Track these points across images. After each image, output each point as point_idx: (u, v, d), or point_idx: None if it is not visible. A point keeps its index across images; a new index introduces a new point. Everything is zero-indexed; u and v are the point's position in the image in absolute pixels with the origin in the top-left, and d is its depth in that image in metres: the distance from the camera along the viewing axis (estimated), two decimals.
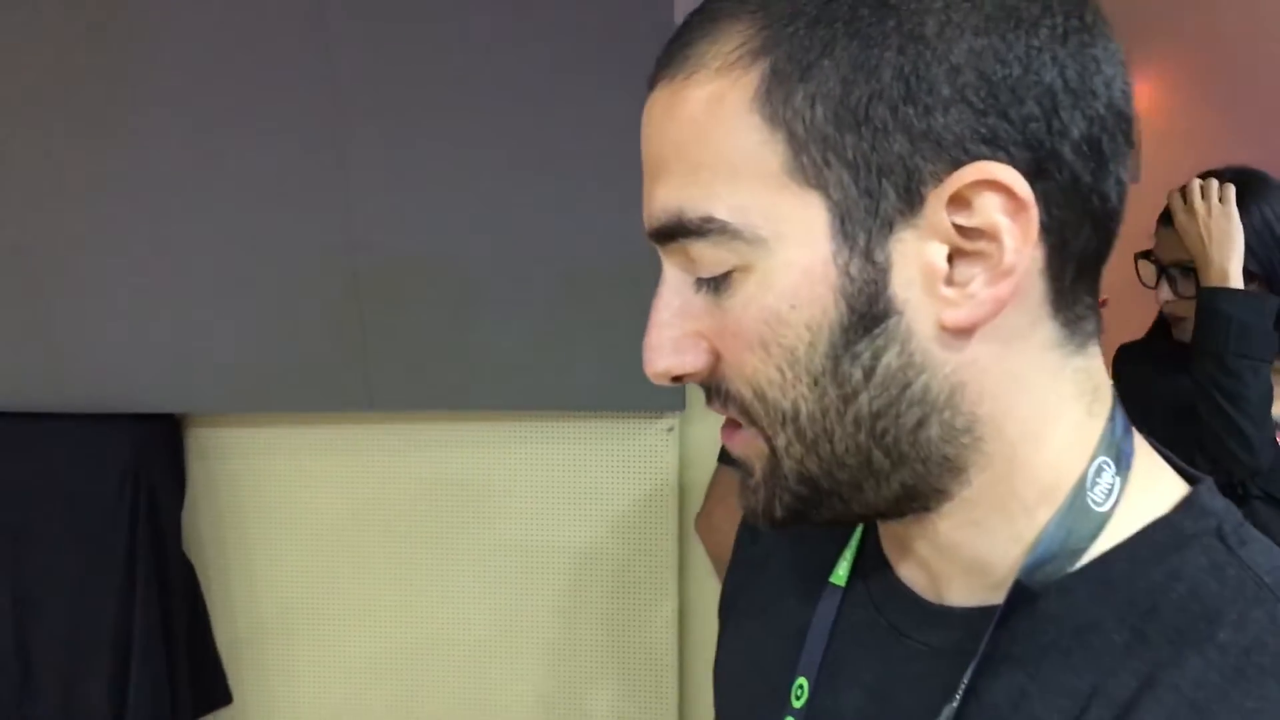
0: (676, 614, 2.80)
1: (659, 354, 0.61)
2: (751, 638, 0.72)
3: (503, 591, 2.84)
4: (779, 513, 0.60)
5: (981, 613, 0.58)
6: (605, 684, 2.83)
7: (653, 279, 0.61)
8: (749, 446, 0.60)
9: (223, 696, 2.90)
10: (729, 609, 0.78)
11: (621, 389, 2.68)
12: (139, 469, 2.71)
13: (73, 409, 2.72)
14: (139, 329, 2.63)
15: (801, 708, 0.64)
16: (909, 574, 0.63)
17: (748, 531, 0.77)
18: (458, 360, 2.64)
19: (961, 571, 0.59)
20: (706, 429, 1.96)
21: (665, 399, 2.69)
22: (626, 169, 0.73)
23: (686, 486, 2.77)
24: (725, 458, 1.92)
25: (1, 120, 2.59)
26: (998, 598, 0.57)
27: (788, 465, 0.59)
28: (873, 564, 0.66)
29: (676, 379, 0.61)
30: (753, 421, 0.59)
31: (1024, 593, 0.55)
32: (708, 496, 1.94)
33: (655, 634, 2.80)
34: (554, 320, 2.58)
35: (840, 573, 0.67)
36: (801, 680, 0.64)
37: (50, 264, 2.62)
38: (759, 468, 0.60)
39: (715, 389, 0.60)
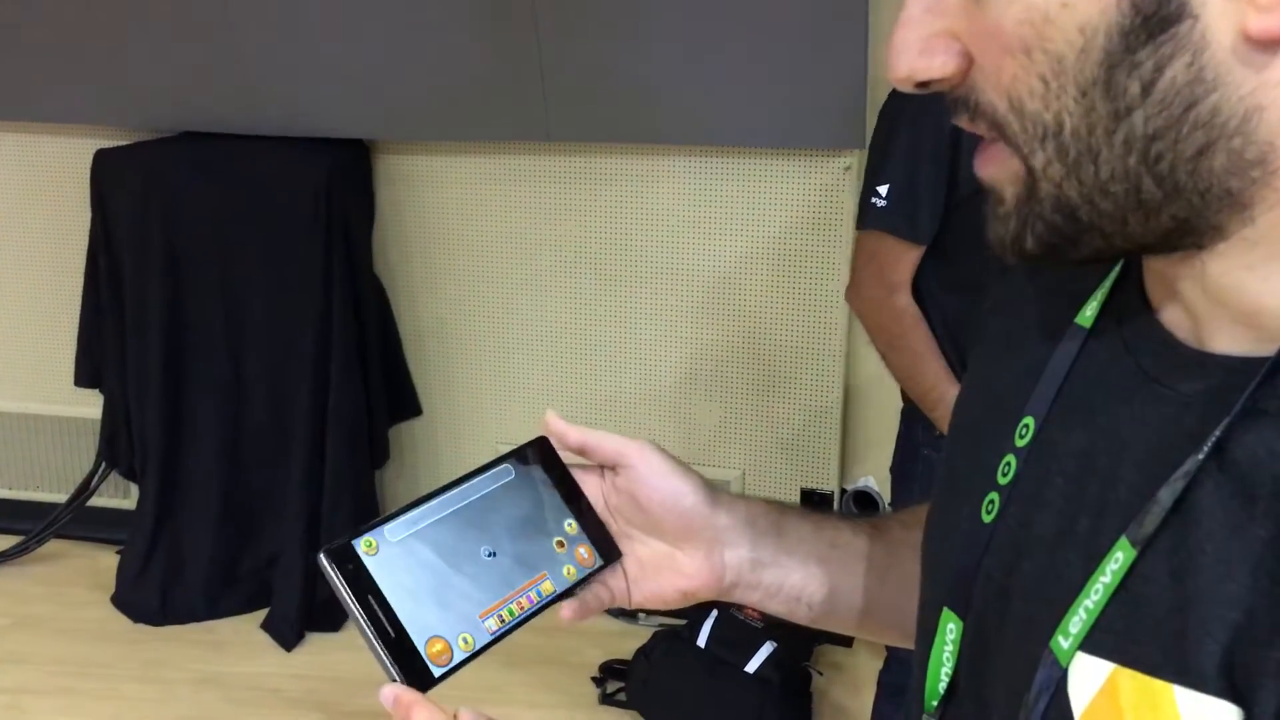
0: (843, 358, 2.83)
1: (905, 55, 0.54)
2: (987, 379, 0.68)
3: (670, 324, 2.91)
4: (1029, 244, 0.54)
5: (1245, 363, 0.52)
6: (766, 421, 2.91)
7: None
8: (1002, 167, 0.53)
9: (414, 408, 3.11)
10: (970, 356, 0.73)
11: (800, 125, 2.62)
12: (331, 191, 2.82)
13: (267, 132, 2.83)
14: (329, 58, 2.68)
15: (1024, 446, 0.60)
16: (1170, 317, 0.57)
17: (992, 274, 0.70)
18: (635, 92, 2.61)
19: (1229, 318, 0.53)
20: None
21: (844, 136, 2.61)
22: None
23: None
24: (865, 223, 1.84)
25: None
26: (1267, 350, 0.51)
27: (1045, 189, 0.52)
28: (1130, 304, 0.60)
29: (922, 85, 0.54)
30: (1005, 138, 0.52)
31: None
32: (854, 267, 1.90)
33: (821, 374, 2.85)
34: (733, 53, 2.51)
35: (1087, 314, 0.61)
36: (1028, 419, 0.61)
37: None
38: (1010, 193, 0.54)
39: (964, 100, 0.53)
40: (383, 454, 3.08)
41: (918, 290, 1.84)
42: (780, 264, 2.80)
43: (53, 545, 3.21)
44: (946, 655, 0.64)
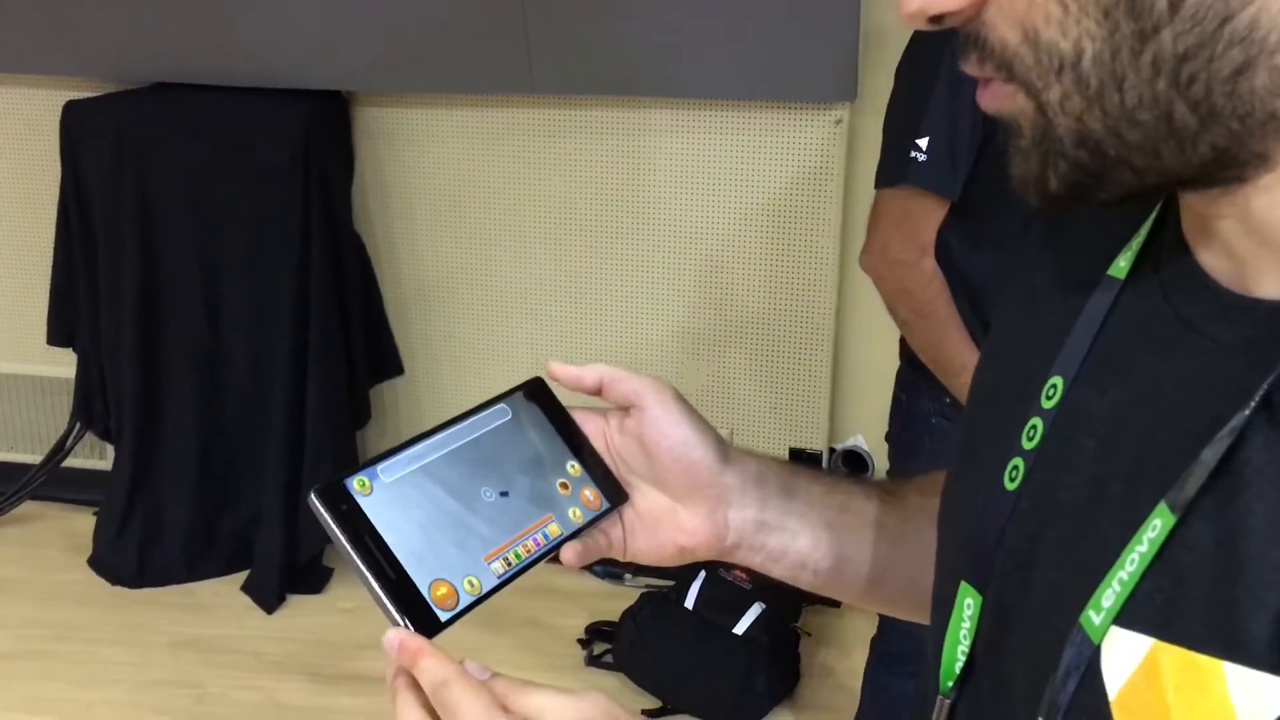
0: (834, 315, 2.78)
1: None
2: (1010, 340, 0.64)
3: (658, 281, 2.86)
4: (1053, 184, 0.50)
5: None
6: (755, 380, 2.87)
7: None
8: (1009, 102, 0.50)
9: (395, 368, 3.06)
10: (993, 318, 0.68)
11: (790, 78, 2.55)
12: (309, 143, 2.75)
13: (241, 83, 2.75)
14: (306, 6, 2.60)
15: (1052, 408, 0.56)
16: (1210, 260, 0.52)
17: (1020, 220, 0.65)
18: (622, 43, 2.54)
19: (1276, 259, 0.49)
20: (879, 123, 1.83)
21: (835, 89, 2.55)
22: None
23: (853, 179, 2.67)
24: (900, 178, 1.72)
25: None
26: None
27: (1063, 125, 0.48)
28: (1168, 250, 0.55)
29: (934, 19, 0.50)
30: (1014, 77, 0.49)
31: None
32: (874, 228, 1.79)
33: (811, 333, 2.80)
34: (722, 3, 2.44)
35: (1121, 264, 0.57)
36: (1056, 379, 0.57)
37: None
38: (1027, 128, 0.50)
39: (974, 37, 0.50)
40: (364, 414, 3.03)
41: (936, 252, 1.75)
42: (770, 220, 2.75)
43: (27, 507, 3.16)
44: (964, 633, 0.60)
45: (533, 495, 0.69)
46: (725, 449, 0.73)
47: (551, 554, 0.68)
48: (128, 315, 2.86)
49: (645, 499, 0.73)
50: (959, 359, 1.72)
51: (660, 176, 2.77)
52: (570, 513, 0.70)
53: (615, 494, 0.73)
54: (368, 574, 0.61)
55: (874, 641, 2.08)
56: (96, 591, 2.92)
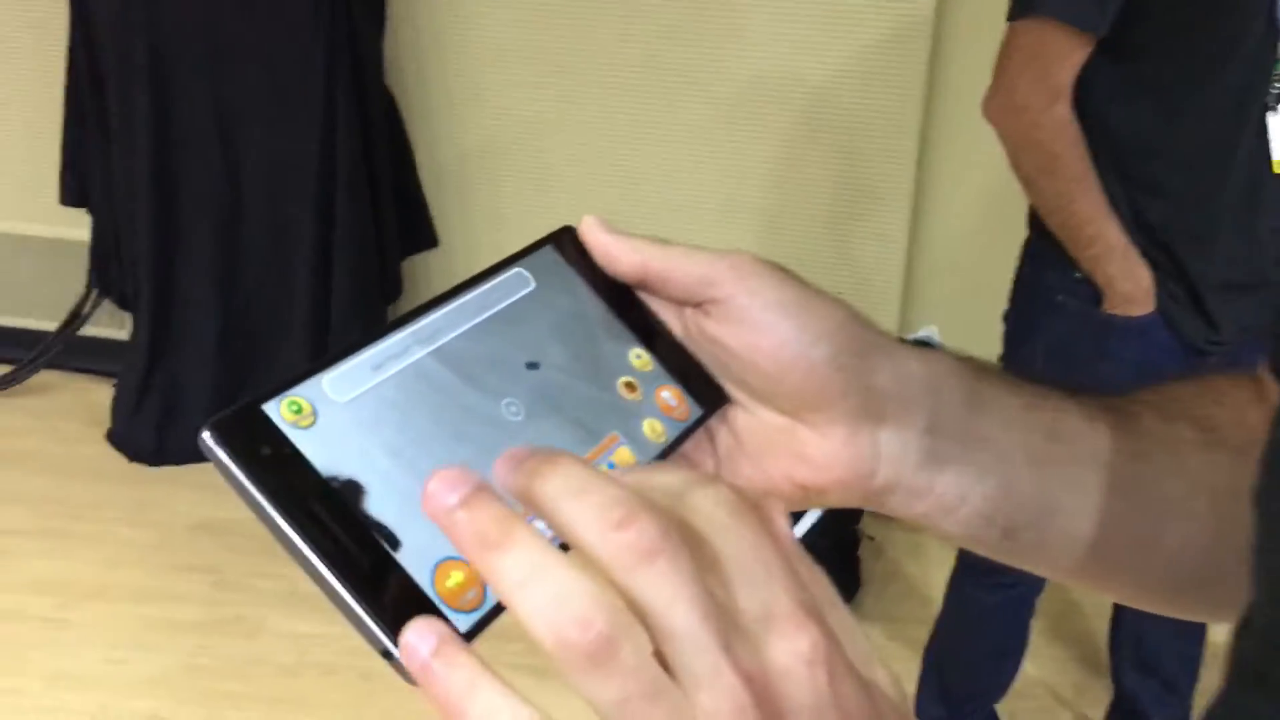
0: (912, 188, 2.51)
1: None
2: None
3: (717, 147, 2.58)
4: None
5: None
6: (820, 256, 2.61)
7: None
8: None
9: (429, 239, 2.84)
10: None
11: None
12: None
13: None
14: None
15: None
16: None
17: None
18: None
19: None
20: None
21: None
22: None
23: (944, 35, 2.37)
24: (1017, 9, 1.47)
25: None
26: None
27: None
28: None
29: None
30: None
31: None
32: (1001, 67, 1.54)
33: (886, 205, 2.53)
34: None
35: None
36: None
37: None
38: None
39: None
40: (395, 287, 2.82)
41: (1075, 99, 1.50)
42: (845, 74, 2.46)
43: (43, 376, 3.01)
44: None
45: (584, 405, 0.44)
46: (868, 334, 0.47)
47: None
48: (140, 174, 2.65)
49: (748, 416, 0.48)
50: (1090, 226, 1.49)
51: (720, 25, 2.48)
52: (645, 427, 0.45)
53: (708, 394, 0.47)
54: (318, 563, 0.33)
55: (961, 550, 1.87)
56: (114, 467, 2.77)
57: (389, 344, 0.40)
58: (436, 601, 0.34)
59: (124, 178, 2.70)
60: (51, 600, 2.38)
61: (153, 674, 2.20)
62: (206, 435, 0.35)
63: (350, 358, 0.39)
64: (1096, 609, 2.26)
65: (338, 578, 0.33)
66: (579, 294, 0.47)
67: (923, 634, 1.99)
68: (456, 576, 0.35)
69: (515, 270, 0.47)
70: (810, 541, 2.23)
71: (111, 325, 3.03)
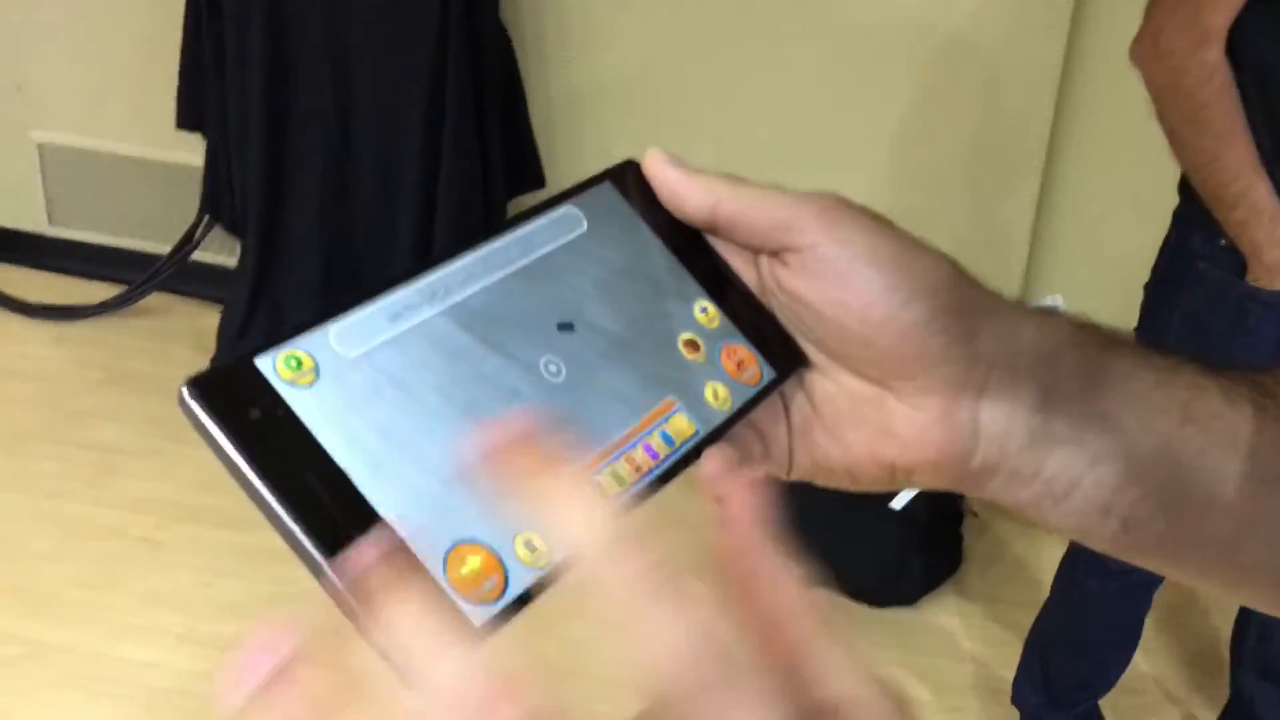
0: (1046, 142, 2.36)
1: None
2: None
3: (850, 85, 2.46)
4: None
5: None
6: (945, 216, 2.48)
7: None
8: None
9: (537, 180, 2.78)
10: None
11: None
12: None
13: None
14: None
15: None
16: None
17: None
18: None
19: None
20: None
21: None
22: None
23: None
24: None
25: None
26: None
27: None
28: None
29: None
30: None
31: None
32: (1150, 10, 1.43)
33: (1012, 165, 2.39)
34: None
35: None
36: None
37: None
38: None
39: None
40: (498, 227, 2.77)
41: (1229, 45, 1.39)
42: (979, 20, 2.32)
43: (156, 299, 3.05)
44: None
45: (636, 365, 0.38)
46: (973, 294, 0.40)
47: (682, 468, 0.37)
48: (253, 104, 2.65)
49: (827, 380, 0.41)
50: (1237, 183, 1.37)
51: None
52: (709, 391, 0.39)
53: (783, 356, 0.41)
54: (309, 546, 0.29)
55: None
56: None
57: (412, 290, 0.35)
58: (449, 592, 0.30)
59: (237, 106, 2.70)
60: (150, 519, 2.42)
61: (238, 600, 2.22)
62: (185, 393, 0.30)
63: (364, 305, 0.34)
64: (1218, 601, 2.12)
65: (319, 555, 0.28)
66: (638, 237, 0.42)
67: (1025, 618, 1.89)
68: (473, 563, 0.30)
69: (567, 208, 0.42)
70: (912, 511, 2.14)
71: (223, 252, 3.06)
